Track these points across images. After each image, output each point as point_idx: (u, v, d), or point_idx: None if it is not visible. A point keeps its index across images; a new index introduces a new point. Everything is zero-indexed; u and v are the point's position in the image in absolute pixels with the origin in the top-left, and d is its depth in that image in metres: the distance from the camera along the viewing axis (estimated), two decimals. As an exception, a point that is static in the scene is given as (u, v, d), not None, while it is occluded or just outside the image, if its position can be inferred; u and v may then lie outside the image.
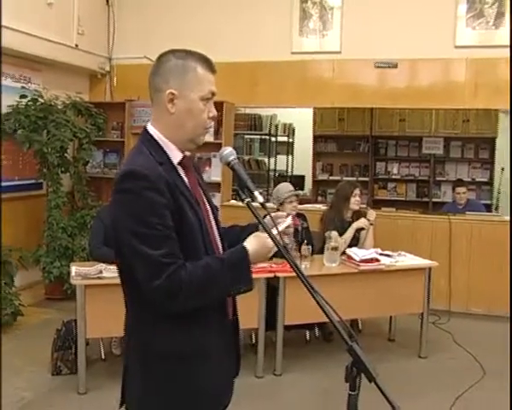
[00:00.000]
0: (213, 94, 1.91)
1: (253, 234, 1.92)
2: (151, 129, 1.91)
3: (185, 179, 1.90)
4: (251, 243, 1.86)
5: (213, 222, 1.99)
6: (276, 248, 1.86)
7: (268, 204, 5.72)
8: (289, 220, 1.95)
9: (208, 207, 2.00)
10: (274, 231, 1.83)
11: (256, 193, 1.87)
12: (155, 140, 1.88)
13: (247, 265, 1.83)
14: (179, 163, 1.90)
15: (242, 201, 1.86)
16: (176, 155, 1.89)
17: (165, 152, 1.87)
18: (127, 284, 1.90)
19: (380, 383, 1.56)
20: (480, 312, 6.34)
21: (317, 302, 1.62)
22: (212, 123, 2.00)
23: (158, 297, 1.74)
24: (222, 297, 1.91)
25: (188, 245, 1.80)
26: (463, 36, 7.11)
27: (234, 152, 1.96)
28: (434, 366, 4.95)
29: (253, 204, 1.85)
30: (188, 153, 1.96)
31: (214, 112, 1.92)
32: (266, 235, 1.85)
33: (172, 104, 1.85)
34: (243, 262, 1.83)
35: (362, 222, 5.38)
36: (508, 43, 6.87)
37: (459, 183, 7.47)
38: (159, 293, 1.72)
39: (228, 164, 1.95)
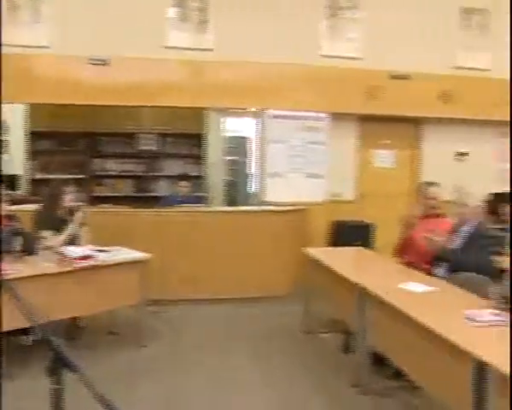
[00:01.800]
0: None
1: None
2: None
3: None
4: None
5: None
6: None
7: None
8: None
9: None
10: None
11: None
12: None
13: None
14: None
15: None
16: None
17: None
18: None
19: (84, 375, 1.60)
20: (197, 297, 6.73)
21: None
22: None
23: None
24: None
25: None
26: (173, 38, 7.47)
27: None
28: (155, 354, 5.15)
29: None
30: None
31: None
32: None
33: None
34: None
35: (76, 221, 5.39)
36: (211, 46, 7.44)
37: (183, 177, 7.81)
38: None
39: None
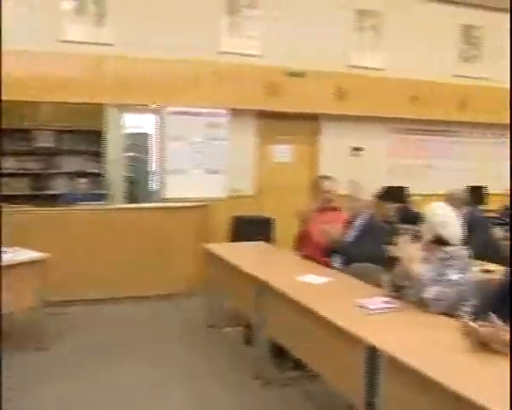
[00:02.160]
0: None
1: None
2: None
3: None
4: None
5: None
6: None
7: None
8: None
9: None
10: None
11: None
12: None
13: None
14: None
15: None
16: None
17: None
18: None
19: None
20: (100, 297, 6.64)
21: None
22: None
23: None
24: None
25: None
26: (70, 31, 7.30)
27: None
28: (56, 357, 5.04)
29: None
30: None
31: None
32: None
33: None
34: None
35: None
36: (110, 41, 7.32)
37: (81, 174, 7.67)
38: None
39: None
